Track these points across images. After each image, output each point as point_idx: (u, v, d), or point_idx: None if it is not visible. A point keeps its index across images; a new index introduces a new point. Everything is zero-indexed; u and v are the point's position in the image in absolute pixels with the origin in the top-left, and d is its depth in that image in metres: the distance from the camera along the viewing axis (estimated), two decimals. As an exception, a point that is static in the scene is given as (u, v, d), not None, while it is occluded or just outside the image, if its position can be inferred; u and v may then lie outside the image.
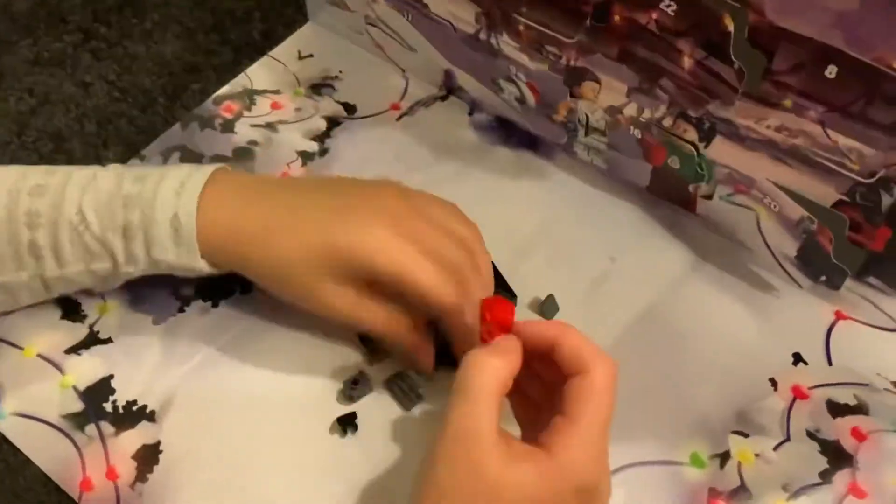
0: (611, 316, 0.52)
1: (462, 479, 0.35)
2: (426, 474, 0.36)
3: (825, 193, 0.46)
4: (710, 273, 0.54)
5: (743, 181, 0.50)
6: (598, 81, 0.51)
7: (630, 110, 0.51)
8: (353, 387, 0.48)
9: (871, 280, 0.52)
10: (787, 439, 0.47)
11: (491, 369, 0.37)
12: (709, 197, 0.53)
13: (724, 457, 0.47)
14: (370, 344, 0.49)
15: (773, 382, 0.49)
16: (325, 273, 0.45)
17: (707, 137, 0.49)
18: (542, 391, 0.41)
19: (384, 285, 0.45)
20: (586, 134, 0.55)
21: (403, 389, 0.48)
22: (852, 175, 0.44)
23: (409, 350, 0.47)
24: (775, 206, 0.49)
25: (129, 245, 0.45)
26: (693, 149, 0.50)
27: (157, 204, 0.45)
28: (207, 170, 0.47)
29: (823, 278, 0.51)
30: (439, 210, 0.48)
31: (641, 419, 0.48)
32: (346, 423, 0.47)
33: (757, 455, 0.47)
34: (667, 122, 0.50)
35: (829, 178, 0.45)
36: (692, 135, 0.50)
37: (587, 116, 0.54)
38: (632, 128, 0.52)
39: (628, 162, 0.55)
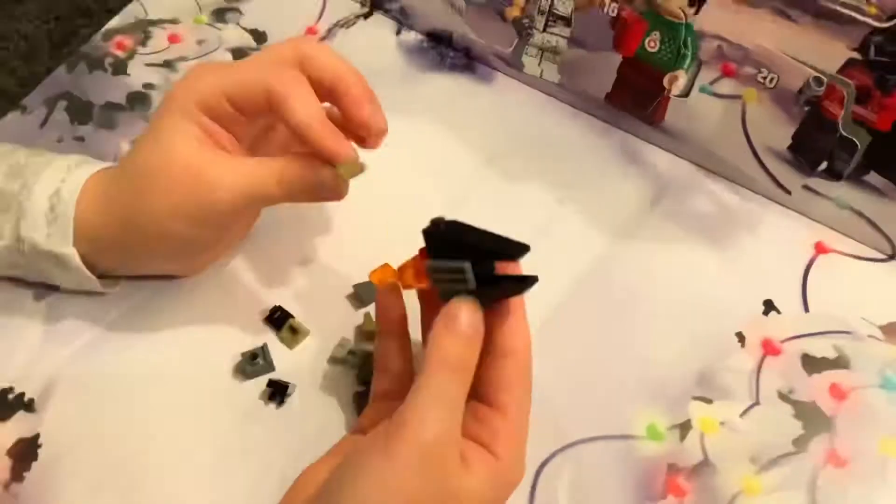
0: (554, 271, 0.44)
1: (432, 487, 0.33)
2: (378, 474, 0.32)
3: (834, 53, 0.42)
4: (671, 209, 0.48)
5: (733, 56, 0.45)
6: (574, -50, 0.46)
7: None
8: (253, 361, 0.42)
9: (870, 179, 0.45)
10: (757, 403, 0.42)
11: (466, 375, 0.33)
12: (685, 95, 0.47)
13: (685, 427, 0.41)
14: (288, 328, 0.44)
15: (741, 337, 0.44)
16: (196, 142, 0.39)
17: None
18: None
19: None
20: (545, 28, 0.50)
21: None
22: (869, 20, 0.40)
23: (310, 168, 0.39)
24: (772, 81, 0.44)
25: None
26: (682, 14, 0.45)
27: (44, 177, 0.41)
28: (100, 163, 0.43)
29: (824, 165, 0.46)
30: None
31: (591, 389, 0.42)
32: (279, 392, 0.42)
33: (721, 423, 0.41)
34: None
35: (840, 32, 0.41)
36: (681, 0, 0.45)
37: (552, 1, 0.48)
38: (608, 2, 0.47)
39: (590, 61, 0.49)
